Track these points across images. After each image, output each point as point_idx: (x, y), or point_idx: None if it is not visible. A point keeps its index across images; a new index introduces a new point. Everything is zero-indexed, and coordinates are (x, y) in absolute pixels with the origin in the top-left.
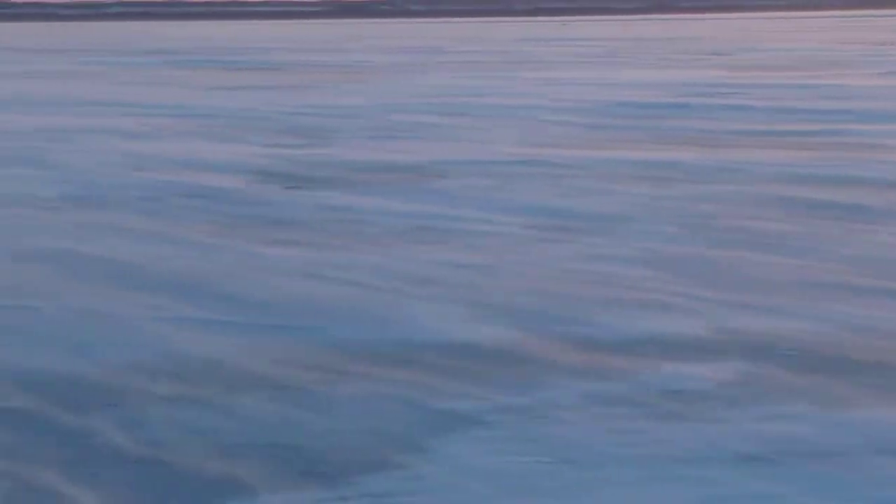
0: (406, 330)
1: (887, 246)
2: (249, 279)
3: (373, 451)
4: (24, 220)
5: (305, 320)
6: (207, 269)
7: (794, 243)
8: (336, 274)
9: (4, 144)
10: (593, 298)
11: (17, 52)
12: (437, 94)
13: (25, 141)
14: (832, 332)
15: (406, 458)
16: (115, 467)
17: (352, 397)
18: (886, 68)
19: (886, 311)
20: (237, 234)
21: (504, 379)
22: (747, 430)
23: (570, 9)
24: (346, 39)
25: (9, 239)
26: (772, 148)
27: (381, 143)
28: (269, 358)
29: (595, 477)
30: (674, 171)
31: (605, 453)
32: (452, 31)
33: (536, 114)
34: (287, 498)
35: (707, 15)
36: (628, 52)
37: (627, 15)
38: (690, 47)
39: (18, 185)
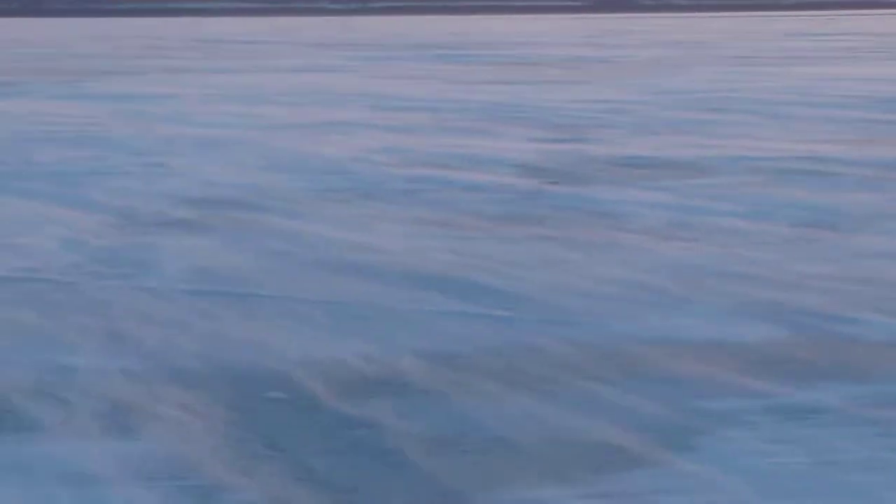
0: (668, 327)
1: None
2: (510, 274)
3: (634, 449)
4: (284, 212)
5: (566, 316)
6: (469, 262)
7: None
8: (597, 270)
9: (267, 138)
10: (859, 297)
11: (292, 46)
12: (698, 90)
13: (285, 134)
14: None
15: (668, 455)
16: (390, 457)
17: (612, 394)
18: None
19: None
20: (497, 229)
21: (767, 378)
22: None
23: (838, 3)
24: (607, 34)
25: (271, 231)
26: None
27: (643, 139)
28: (528, 352)
29: (859, 481)
30: None
31: (871, 457)
32: (716, 26)
33: (801, 110)
34: (546, 495)
35: None
36: None
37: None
38: None
39: (277, 177)
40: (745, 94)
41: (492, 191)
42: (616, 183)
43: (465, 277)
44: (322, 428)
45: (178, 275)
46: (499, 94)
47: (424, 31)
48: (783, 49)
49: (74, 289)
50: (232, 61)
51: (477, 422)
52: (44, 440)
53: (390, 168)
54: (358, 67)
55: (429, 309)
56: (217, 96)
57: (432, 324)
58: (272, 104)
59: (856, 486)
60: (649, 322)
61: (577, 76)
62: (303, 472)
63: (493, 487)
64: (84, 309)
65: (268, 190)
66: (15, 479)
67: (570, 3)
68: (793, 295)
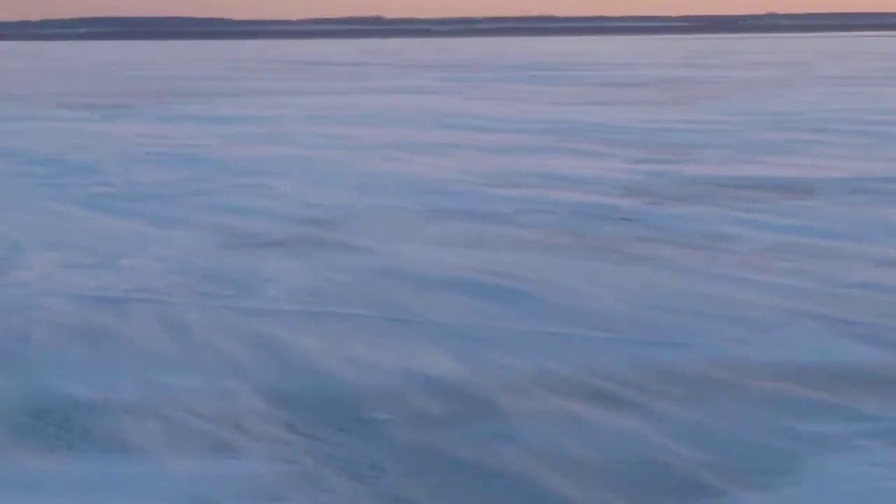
0: (772, 348)
1: None
2: (610, 294)
3: (738, 472)
4: (384, 233)
5: (675, 336)
6: (569, 283)
7: None
8: (699, 291)
9: (366, 159)
10: None
11: (393, 68)
12: (802, 110)
13: (385, 155)
14: None
15: (773, 478)
16: (492, 480)
17: (714, 416)
18: None
19: None
20: (598, 250)
21: (874, 401)
22: None
23: None
24: (708, 55)
25: (372, 251)
26: None
27: (745, 160)
28: (628, 374)
29: None
30: None
31: None
32: (820, 45)
33: None
34: None
35: None
36: None
37: None
38: None
39: (376, 197)
40: (850, 114)
41: (591, 211)
42: (718, 204)
43: (564, 298)
44: (424, 448)
45: (280, 295)
46: (599, 114)
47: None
48: (888, 69)
49: (178, 309)
50: (333, 83)
51: (578, 442)
52: (148, 460)
53: (489, 189)
54: (456, 89)
55: (527, 329)
56: (317, 118)
57: (532, 344)
58: (371, 126)
59: None
60: (753, 344)
61: (678, 97)
62: (405, 494)
63: None
64: (187, 329)
65: (368, 210)
66: (120, 498)
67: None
68: None
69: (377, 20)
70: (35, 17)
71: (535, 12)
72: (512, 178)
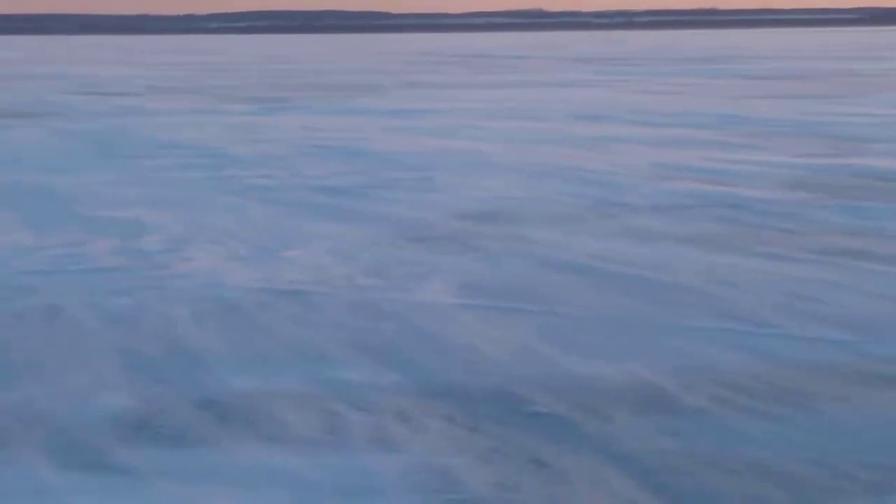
0: None
1: None
2: (779, 291)
3: (875, 479)
4: (550, 226)
5: (837, 334)
6: (736, 279)
7: None
8: (874, 289)
9: (532, 152)
10: None
11: (557, 61)
12: None
13: (551, 149)
14: None
15: None
16: (651, 476)
17: (866, 419)
18: None
19: None
20: (766, 245)
21: None
22: None
23: None
24: (881, 48)
25: (538, 244)
26: None
27: None
28: (806, 370)
29: None
30: None
31: None
32: None
33: None
34: None
35: None
36: None
37: None
38: None
39: (543, 191)
40: None
41: (755, 206)
42: (886, 200)
43: (730, 294)
44: (587, 444)
45: (447, 289)
46: (761, 108)
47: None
48: None
49: (344, 301)
50: (497, 76)
51: (744, 439)
52: (310, 452)
53: (651, 182)
54: (621, 82)
55: (689, 324)
56: (480, 111)
57: (698, 339)
58: (537, 119)
59: None
60: None
61: (849, 90)
62: (565, 489)
63: None
64: (350, 321)
65: (533, 203)
66: (282, 489)
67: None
68: None
69: (538, 13)
70: (201, 11)
71: (697, 5)
72: (673, 172)
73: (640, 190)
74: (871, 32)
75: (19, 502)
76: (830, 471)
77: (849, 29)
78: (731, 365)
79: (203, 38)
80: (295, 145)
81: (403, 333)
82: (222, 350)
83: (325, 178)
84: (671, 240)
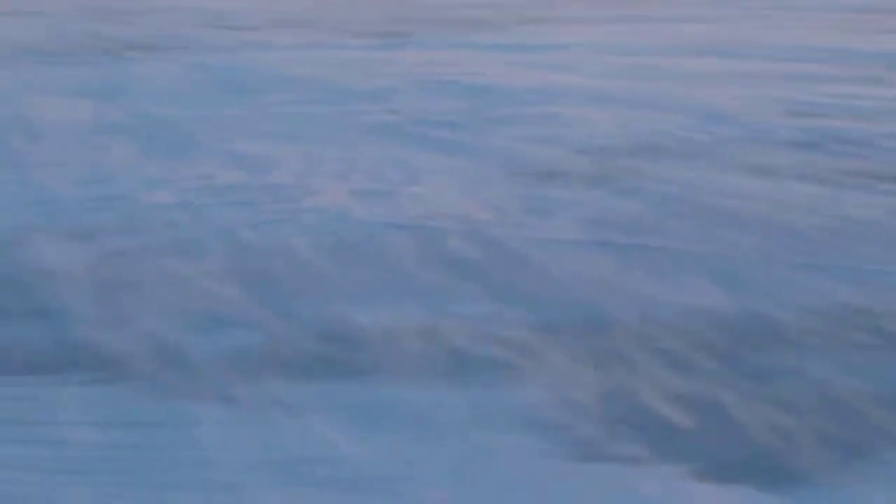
0: None
1: None
2: (875, 234)
3: None
4: (676, 162)
5: None
6: (870, 217)
7: None
8: None
9: (658, 87)
10: None
11: None
12: None
13: (677, 84)
14: None
15: None
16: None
17: None
18: None
19: None
20: (884, 186)
21: None
22: None
23: None
24: None
25: (664, 180)
26: None
27: None
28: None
29: None
30: None
31: None
32: None
33: None
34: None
35: None
36: None
37: None
38: None
39: (668, 126)
40: None
41: (886, 144)
42: None
43: (848, 234)
44: (703, 379)
45: (570, 225)
46: (889, 42)
47: None
48: None
49: (463, 236)
50: (621, 10)
51: (868, 379)
52: (432, 387)
53: (777, 118)
54: (752, 16)
55: (816, 263)
56: (605, 46)
57: (816, 280)
58: (662, 54)
59: None
60: None
61: None
62: (676, 432)
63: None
64: (470, 257)
65: (660, 139)
66: (409, 425)
67: None
68: None
69: None
70: None
71: None
72: (799, 108)
73: (766, 126)
74: None
75: (142, 431)
76: None
77: None
78: (851, 303)
79: None
80: (416, 80)
81: (522, 269)
82: (346, 284)
83: (448, 114)
84: (797, 178)
